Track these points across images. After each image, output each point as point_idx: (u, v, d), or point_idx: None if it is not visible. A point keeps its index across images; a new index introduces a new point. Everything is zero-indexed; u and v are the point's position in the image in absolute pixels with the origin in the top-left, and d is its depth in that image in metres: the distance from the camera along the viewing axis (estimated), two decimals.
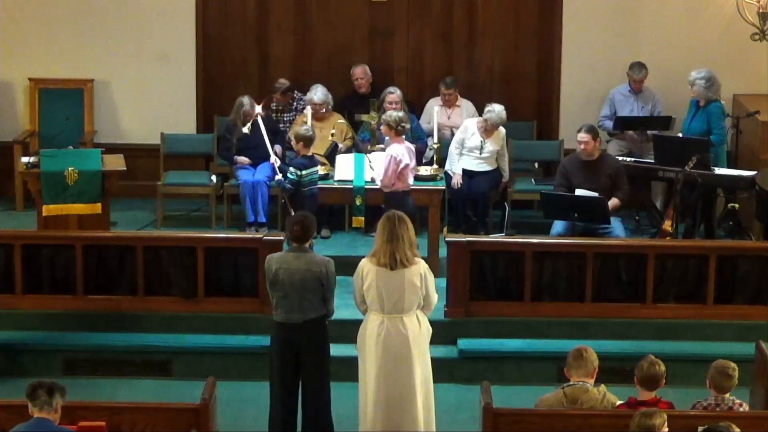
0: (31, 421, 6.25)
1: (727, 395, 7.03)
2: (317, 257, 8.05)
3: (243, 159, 11.32)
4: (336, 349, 9.29)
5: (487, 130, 11.21)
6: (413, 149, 10.16)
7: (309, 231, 8.07)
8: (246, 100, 11.28)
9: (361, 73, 11.94)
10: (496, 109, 11.12)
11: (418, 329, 7.81)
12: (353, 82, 11.98)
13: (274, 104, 11.91)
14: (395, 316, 7.74)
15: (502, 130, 11.27)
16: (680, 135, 11.33)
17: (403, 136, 10.05)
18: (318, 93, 11.40)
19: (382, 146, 10.71)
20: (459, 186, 11.11)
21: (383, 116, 10.23)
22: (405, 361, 7.74)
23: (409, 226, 7.77)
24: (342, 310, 9.65)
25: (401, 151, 9.87)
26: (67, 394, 6.37)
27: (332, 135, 11.17)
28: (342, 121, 11.46)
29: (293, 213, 9.00)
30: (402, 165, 9.84)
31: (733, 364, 7.06)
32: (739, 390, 7.29)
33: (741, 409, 7.00)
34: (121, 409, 7.10)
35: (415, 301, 7.77)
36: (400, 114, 10.09)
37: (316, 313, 7.97)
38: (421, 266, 7.80)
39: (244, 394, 8.95)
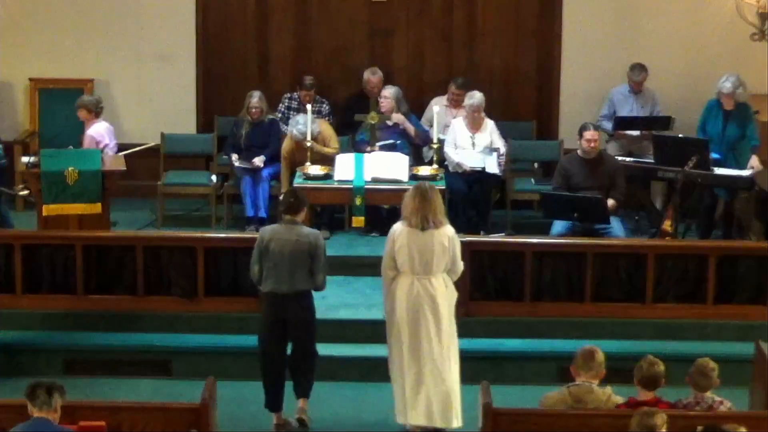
0: (31, 421, 6.25)
1: (708, 393, 7.03)
2: (307, 230, 8.42)
3: (234, 158, 11.36)
4: (336, 349, 9.34)
5: (474, 124, 11.22)
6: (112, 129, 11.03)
7: (303, 202, 8.44)
8: (255, 93, 11.33)
9: (376, 81, 11.86)
10: (476, 95, 11.19)
11: (445, 289, 8.24)
12: (365, 88, 11.91)
13: (287, 102, 11.94)
14: (424, 277, 8.17)
15: (489, 122, 11.28)
16: (680, 135, 11.34)
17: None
18: (296, 129, 10.86)
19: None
20: (471, 171, 11.11)
21: None
22: (434, 318, 8.16)
23: (438, 194, 8.31)
24: (342, 309, 9.69)
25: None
26: (66, 393, 6.37)
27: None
28: (326, 128, 11.36)
29: None
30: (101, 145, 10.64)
31: (713, 364, 7.07)
32: (739, 390, 7.29)
33: (722, 407, 6.98)
34: (121, 409, 7.10)
35: (443, 263, 8.20)
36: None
37: (305, 285, 8.32)
38: (449, 229, 8.27)
39: (244, 394, 8.95)
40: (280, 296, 8.30)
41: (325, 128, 11.29)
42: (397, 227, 8.27)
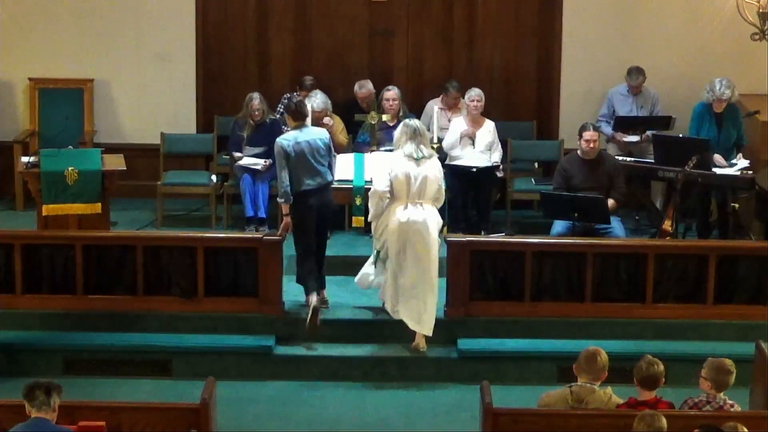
0: (30, 421, 6.25)
1: (721, 394, 7.03)
2: (316, 128, 9.79)
3: (237, 154, 11.37)
4: (336, 349, 9.35)
5: (474, 121, 11.22)
6: None
7: (305, 107, 9.66)
8: (255, 95, 11.34)
9: (365, 94, 11.84)
10: (474, 89, 11.24)
11: (434, 215, 9.27)
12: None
13: (287, 102, 11.94)
14: (418, 203, 9.16)
15: (490, 122, 11.29)
16: (680, 135, 11.34)
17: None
18: (317, 100, 11.24)
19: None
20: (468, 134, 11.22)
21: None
22: (427, 240, 9.16)
23: (425, 129, 9.45)
24: (342, 309, 9.68)
25: None
26: (63, 392, 6.36)
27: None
28: (337, 119, 11.44)
29: None
30: None
31: (731, 363, 7.06)
32: (739, 390, 7.29)
33: (732, 410, 6.98)
34: (121, 409, 7.09)
35: (433, 190, 9.25)
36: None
37: (329, 177, 9.55)
38: (437, 161, 9.36)
39: (244, 394, 8.95)
40: (315, 189, 9.39)
41: (337, 120, 11.41)
42: (393, 158, 9.20)
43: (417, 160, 9.17)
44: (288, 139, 9.41)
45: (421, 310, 9.19)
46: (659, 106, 11.81)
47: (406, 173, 9.14)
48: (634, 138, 11.59)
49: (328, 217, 9.76)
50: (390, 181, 9.19)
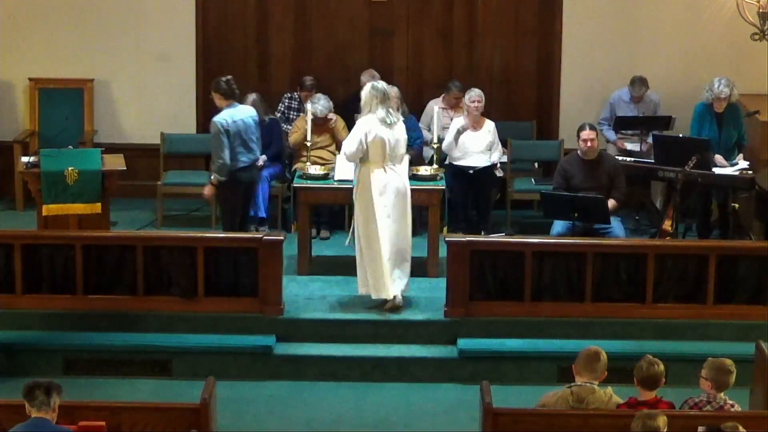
0: (30, 421, 6.24)
1: (721, 394, 7.03)
2: (245, 106, 10.33)
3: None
4: (336, 349, 9.34)
5: (475, 121, 11.22)
6: None
7: (235, 85, 10.13)
8: (251, 96, 11.34)
9: (393, 96, 11.86)
10: (474, 90, 11.23)
11: (407, 176, 9.59)
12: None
13: (287, 102, 11.94)
14: (391, 165, 9.40)
15: (490, 122, 11.29)
16: (680, 135, 11.34)
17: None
18: (320, 105, 11.21)
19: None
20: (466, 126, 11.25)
21: None
22: (404, 201, 9.47)
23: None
24: (342, 309, 9.67)
25: None
26: (63, 392, 6.36)
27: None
28: (339, 119, 11.45)
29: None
30: None
31: (731, 363, 7.06)
32: (739, 390, 7.29)
33: (733, 410, 6.98)
34: (121, 409, 7.09)
35: (402, 153, 9.53)
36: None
37: (258, 153, 10.29)
38: (402, 123, 9.58)
39: (244, 394, 8.95)
40: (250, 166, 10.16)
41: (339, 119, 11.45)
42: (367, 122, 9.35)
43: (389, 124, 9.36)
44: (225, 117, 9.95)
45: (407, 271, 9.55)
46: (660, 112, 11.80)
47: (382, 138, 9.32)
48: (635, 146, 11.59)
49: (254, 192, 10.59)
50: (366, 145, 9.31)
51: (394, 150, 9.41)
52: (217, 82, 10.21)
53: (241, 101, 11.48)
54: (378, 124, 9.33)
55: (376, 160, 9.37)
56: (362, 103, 9.48)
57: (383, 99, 9.39)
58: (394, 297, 9.50)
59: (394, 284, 9.45)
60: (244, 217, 10.40)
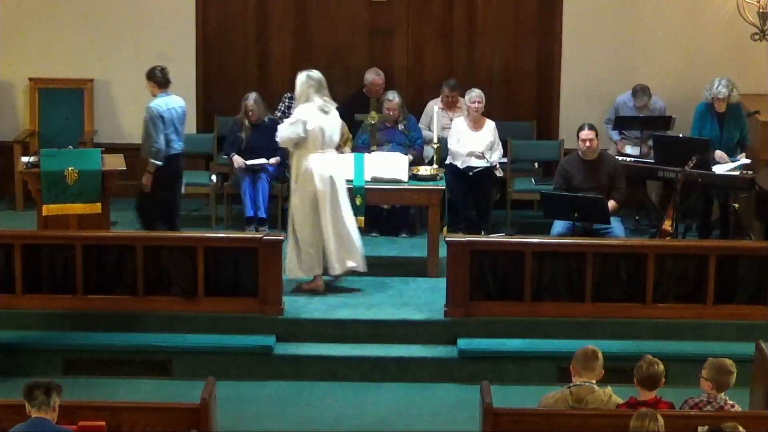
0: (30, 421, 6.25)
1: (721, 394, 7.03)
2: (177, 96, 10.70)
3: (238, 159, 11.36)
4: (336, 349, 9.34)
5: (475, 121, 11.23)
6: None
7: (169, 74, 10.58)
8: (251, 95, 11.34)
9: (381, 82, 11.88)
10: (475, 90, 11.25)
11: (340, 162, 9.94)
12: (369, 89, 11.89)
13: (287, 102, 11.94)
14: (328, 152, 9.73)
15: (490, 122, 11.30)
16: (680, 135, 11.34)
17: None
18: None
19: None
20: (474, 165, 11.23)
21: None
22: (342, 184, 9.82)
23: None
24: (342, 309, 9.68)
25: None
26: (63, 392, 6.36)
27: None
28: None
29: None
30: None
31: (730, 361, 7.06)
32: (739, 390, 7.29)
33: (733, 410, 6.97)
34: (121, 409, 7.09)
35: (337, 138, 9.93)
36: None
37: (182, 143, 10.73)
38: (336, 110, 9.84)
39: (244, 394, 8.95)
40: (182, 154, 10.71)
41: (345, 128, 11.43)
42: (304, 111, 9.63)
43: (326, 113, 9.67)
44: (160, 104, 10.47)
45: (352, 248, 9.86)
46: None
47: (320, 126, 9.62)
48: (635, 150, 11.59)
49: (180, 182, 10.96)
50: (305, 133, 9.58)
51: (331, 137, 9.72)
52: (152, 70, 10.64)
53: (241, 101, 11.53)
54: (317, 112, 9.63)
55: (315, 147, 9.64)
56: (297, 92, 9.77)
57: (318, 88, 9.67)
58: (320, 276, 9.88)
59: (349, 257, 9.81)
60: (174, 209, 10.80)
